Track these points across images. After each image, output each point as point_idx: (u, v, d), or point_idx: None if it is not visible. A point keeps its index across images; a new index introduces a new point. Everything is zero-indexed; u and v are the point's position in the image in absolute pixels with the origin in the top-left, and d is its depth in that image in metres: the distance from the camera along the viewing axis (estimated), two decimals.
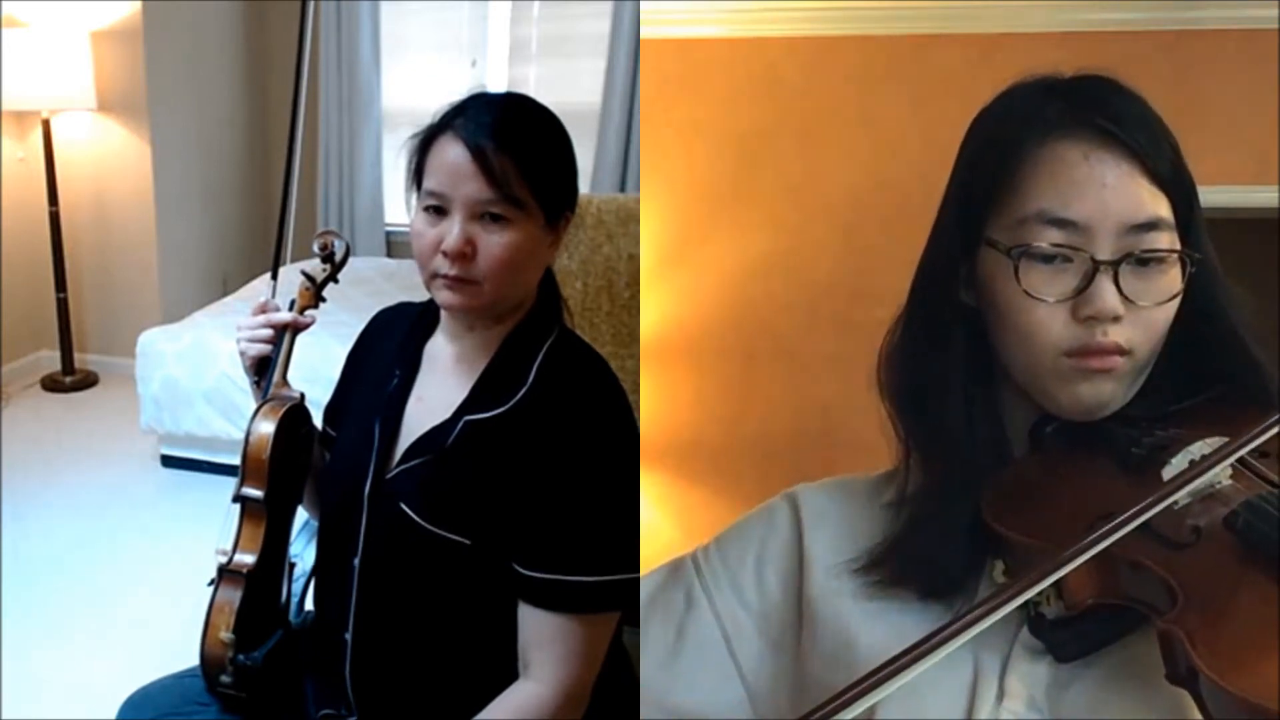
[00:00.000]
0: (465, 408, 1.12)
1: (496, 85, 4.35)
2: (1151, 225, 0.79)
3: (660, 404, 2.93)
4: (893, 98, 2.88)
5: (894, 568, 0.84)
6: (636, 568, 0.76)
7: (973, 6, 2.82)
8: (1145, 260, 0.79)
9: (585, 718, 1.10)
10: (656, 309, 2.93)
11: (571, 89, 4.20)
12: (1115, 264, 0.78)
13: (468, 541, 1.08)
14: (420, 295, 1.17)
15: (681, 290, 2.95)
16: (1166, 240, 0.80)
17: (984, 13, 2.82)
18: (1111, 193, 0.79)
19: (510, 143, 1.06)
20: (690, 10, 2.92)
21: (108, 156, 4.05)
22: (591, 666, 1.09)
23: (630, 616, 1.09)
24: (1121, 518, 0.72)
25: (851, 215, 2.90)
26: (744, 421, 2.91)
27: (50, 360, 4.15)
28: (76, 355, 4.08)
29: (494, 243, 1.06)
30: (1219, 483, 0.76)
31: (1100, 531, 0.71)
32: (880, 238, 2.79)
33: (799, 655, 0.90)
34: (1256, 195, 2.64)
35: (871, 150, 2.90)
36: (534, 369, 1.11)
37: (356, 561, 1.15)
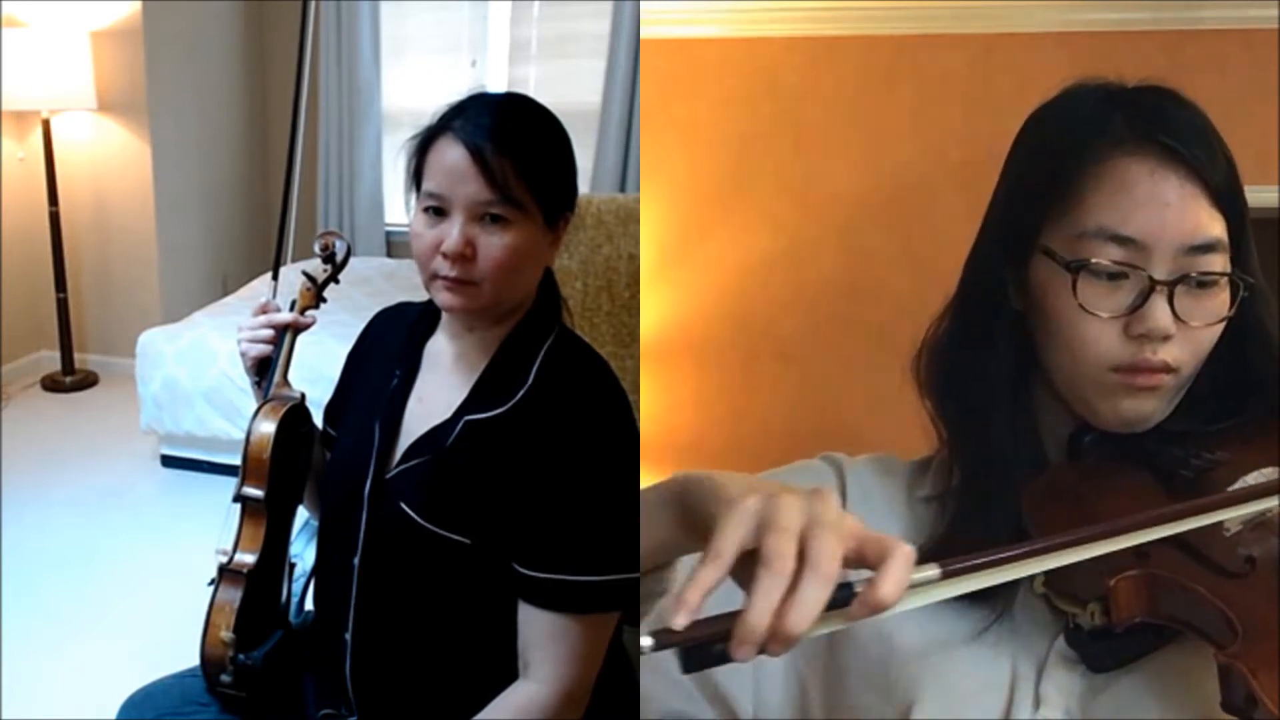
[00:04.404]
0: (465, 408, 1.12)
1: (496, 85, 4.35)
2: (1209, 247, 0.79)
3: (660, 404, 2.93)
4: (892, 98, 2.88)
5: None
6: (636, 567, 0.75)
7: (973, 6, 2.82)
8: (1201, 282, 0.79)
9: (585, 718, 1.10)
10: (656, 309, 2.93)
11: (571, 89, 4.20)
12: (1172, 284, 0.78)
13: (468, 541, 1.08)
14: (420, 295, 1.17)
15: (681, 290, 2.96)
16: (1220, 262, 0.80)
17: (984, 13, 2.82)
18: (1173, 212, 0.78)
19: (509, 144, 1.06)
20: (690, 10, 2.92)
21: (108, 156, 4.05)
22: (591, 666, 1.09)
23: (630, 616, 1.09)
24: (1153, 514, 0.71)
25: (851, 215, 2.90)
26: (744, 421, 2.91)
27: (50, 360, 4.16)
28: (76, 355, 4.09)
29: (493, 244, 1.06)
30: (1269, 510, 0.75)
31: (1128, 521, 0.70)
32: (880, 237, 2.79)
33: (829, 642, 0.89)
34: (1256, 195, 2.63)
35: (871, 150, 2.90)
36: (534, 369, 1.11)
37: (356, 561, 1.15)
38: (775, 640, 0.58)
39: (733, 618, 0.58)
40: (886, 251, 2.66)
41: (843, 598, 0.59)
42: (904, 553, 0.60)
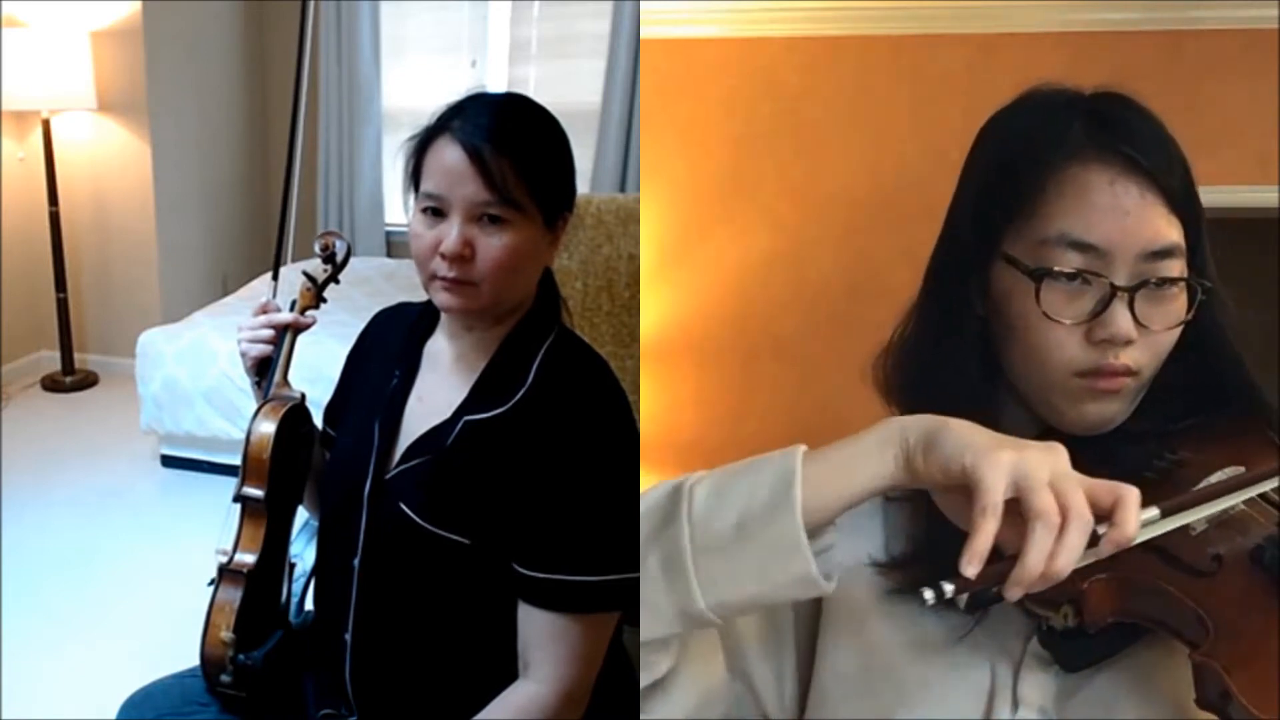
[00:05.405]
0: (465, 408, 1.12)
1: (496, 85, 4.35)
2: (1167, 252, 0.80)
3: (660, 404, 2.93)
4: (892, 98, 2.88)
5: (911, 572, 0.84)
6: (637, 567, 0.76)
7: (973, 6, 2.82)
8: (1160, 286, 0.80)
9: (585, 718, 1.11)
10: (656, 309, 2.93)
11: (571, 89, 4.20)
12: (1132, 290, 0.79)
13: (467, 541, 1.08)
14: (420, 295, 1.17)
15: (681, 290, 2.96)
16: (1179, 267, 0.81)
17: (984, 13, 2.82)
18: (1132, 220, 0.79)
19: (508, 144, 1.06)
20: (690, 10, 2.92)
21: (108, 156, 4.05)
22: (591, 666, 1.09)
23: (630, 616, 1.09)
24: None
25: (851, 214, 2.90)
26: (744, 421, 2.92)
27: (50, 360, 4.16)
28: (76, 355, 4.09)
29: (492, 245, 1.06)
30: (1233, 508, 0.76)
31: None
32: (879, 237, 2.79)
33: (817, 637, 0.89)
34: (1256, 195, 2.64)
35: (870, 150, 2.90)
36: (533, 369, 1.11)
37: (356, 561, 1.15)
38: (1043, 580, 0.66)
39: (1008, 564, 0.66)
40: (886, 251, 2.66)
41: (1091, 537, 0.67)
42: (1135, 495, 0.67)
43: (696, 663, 0.84)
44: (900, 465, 0.72)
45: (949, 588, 0.66)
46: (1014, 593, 0.66)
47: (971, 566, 0.65)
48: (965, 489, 0.68)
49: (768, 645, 0.90)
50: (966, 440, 0.69)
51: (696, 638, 0.83)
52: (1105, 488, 0.68)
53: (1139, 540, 0.68)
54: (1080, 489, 0.66)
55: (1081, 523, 0.65)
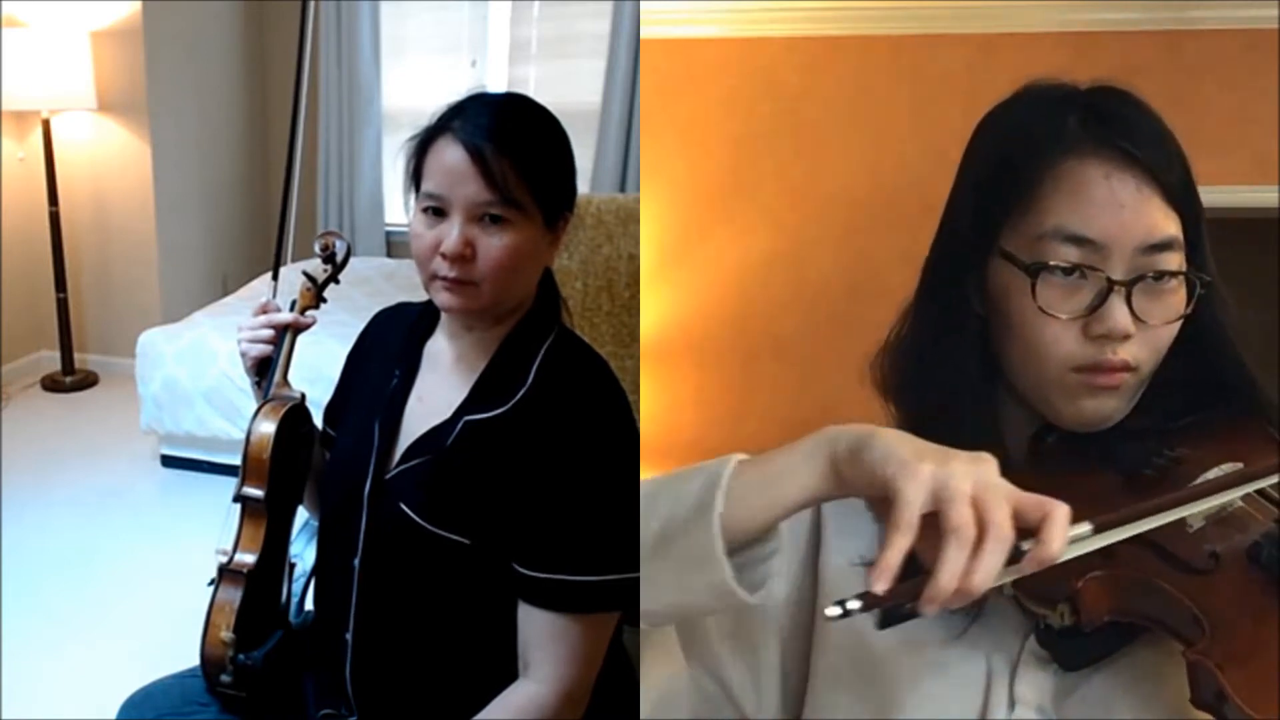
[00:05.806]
0: (465, 408, 1.12)
1: (496, 85, 4.35)
2: (1165, 246, 0.80)
3: (660, 404, 2.94)
4: (892, 98, 2.88)
5: (904, 572, 0.84)
6: (637, 567, 0.75)
7: (973, 6, 2.82)
8: (1158, 278, 0.80)
9: (585, 718, 1.11)
10: (656, 309, 2.93)
11: (571, 89, 4.20)
12: (1129, 284, 0.79)
13: (468, 541, 1.08)
14: (420, 295, 1.17)
15: (681, 290, 2.96)
16: (1177, 260, 0.80)
17: (984, 13, 2.82)
18: (1129, 213, 0.79)
19: (509, 144, 1.06)
20: (690, 10, 2.92)
21: (108, 156, 4.05)
22: (591, 666, 1.09)
23: (630, 616, 1.09)
24: (1122, 512, 0.72)
25: (850, 215, 2.91)
26: (744, 421, 2.92)
27: (50, 360, 4.16)
28: (76, 355, 4.09)
29: (493, 244, 1.06)
30: (1230, 505, 0.76)
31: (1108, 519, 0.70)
32: (879, 237, 2.79)
33: (812, 637, 0.89)
34: (1256, 195, 2.65)
35: (870, 150, 2.91)
36: (533, 369, 1.11)
37: (356, 561, 1.15)
38: (958, 597, 0.63)
39: (922, 580, 0.64)
40: (886, 251, 2.66)
41: (1014, 554, 0.64)
42: (1064, 512, 0.65)
43: (652, 665, 0.83)
44: (829, 475, 0.71)
45: (854, 604, 0.63)
46: (929, 609, 0.64)
47: (880, 583, 0.63)
48: (890, 500, 0.66)
49: (739, 645, 0.90)
50: (891, 451, 0.68)
51: (650, 640, 0.83)
52: (1034, 502, 0.65)
53: (1067, 556, 0.66)
54: (1006, 503, 0.64)
55: (999, 539, 0.63)
